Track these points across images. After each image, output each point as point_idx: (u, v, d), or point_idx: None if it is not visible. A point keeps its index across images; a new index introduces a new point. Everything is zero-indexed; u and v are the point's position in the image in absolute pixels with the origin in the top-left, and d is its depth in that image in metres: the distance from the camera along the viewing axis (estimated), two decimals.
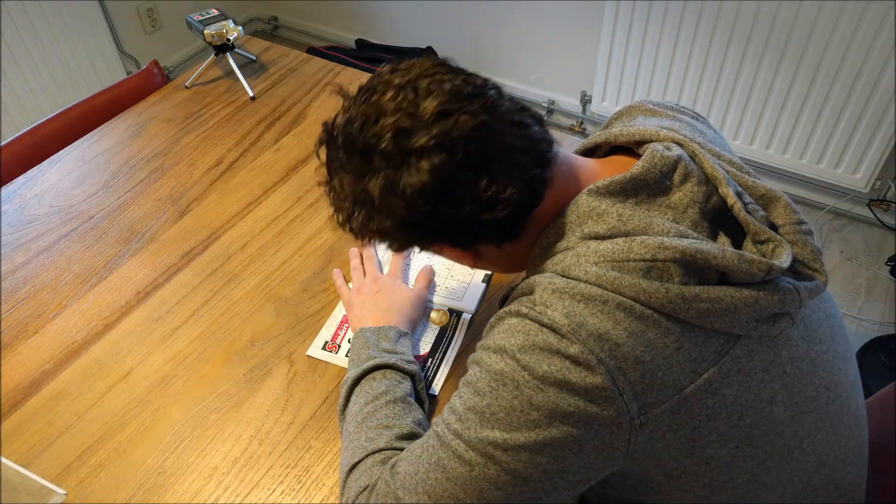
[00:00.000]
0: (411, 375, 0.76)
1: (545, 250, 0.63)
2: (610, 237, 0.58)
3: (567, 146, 1.13)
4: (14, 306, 0.93)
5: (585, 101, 2.28)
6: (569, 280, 0.57)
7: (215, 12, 1.30)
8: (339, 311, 0.90)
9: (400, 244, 0.65)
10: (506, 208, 0.60)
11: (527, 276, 0.63)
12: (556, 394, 0.54)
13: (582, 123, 2.35)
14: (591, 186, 0.61)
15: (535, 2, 2.15)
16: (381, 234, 0.63)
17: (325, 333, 0.87)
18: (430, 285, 0.92)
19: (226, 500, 0.72)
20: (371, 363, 0.75)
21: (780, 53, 1.78)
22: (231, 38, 1.27)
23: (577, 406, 0.54)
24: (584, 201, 0.61)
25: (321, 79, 1.32)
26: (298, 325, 0.89)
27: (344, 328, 0.88)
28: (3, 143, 1.20)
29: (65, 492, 0.73)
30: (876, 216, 1.97)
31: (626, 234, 0.58)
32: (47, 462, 0.76)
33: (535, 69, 2.34)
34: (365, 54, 2.48)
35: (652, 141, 0.65)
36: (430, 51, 2.43)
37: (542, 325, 0.56)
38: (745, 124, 1.95)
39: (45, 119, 1.26)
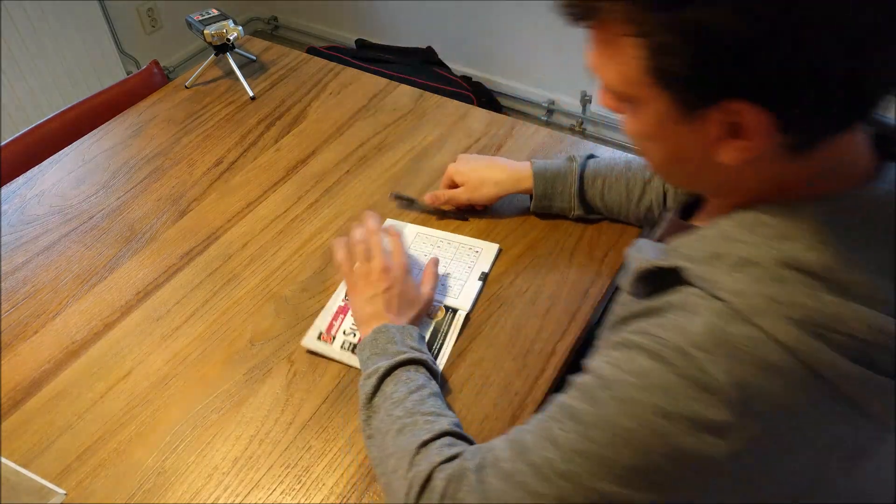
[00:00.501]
0: (436, 377, 0.77)
1: (737, 227, 0.51)
2: (823, 280, 0.46)
3: (567, 146, 1.14)
4: (14, 306, 0.93)
5: (585, 101, 2.28)
6: (752, 327, 0.46)
7: (215, 12, 1.30)
8: (333, 302, 0.89)
9: (697, 91, 0.47)
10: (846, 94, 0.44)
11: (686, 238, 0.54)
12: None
13: (582, 123, 2.35)
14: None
15: (535, 2, 2.15)
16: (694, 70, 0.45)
17: (320, 323, 0.87)
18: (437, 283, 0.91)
19: (226, 500, 0.73)
20: (404, 357, 0.75)
21: None
22: (231, 38, 1.27)
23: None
24: (807, 209, 0.49)
25: (321, 79, 1.32)
26: (298, 325, 0.89)
27: (339, 319, 0.87)
28: (3, 143, 1.20)
29: (65, 492, 0.73)
30: None
31: (839, 286, 0.46)
32: (47, 462, 0.76)
33: (535, 69, 2.34)
34: (365, 54, 2.48)
35: None
36: (430, 51, 2.43)
37: (700, 386, 0.46)
38: None
39: (45, 119, 1.26)
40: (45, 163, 1.16)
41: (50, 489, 0.73)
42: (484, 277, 0.93)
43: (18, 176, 1.14)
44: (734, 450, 0.46)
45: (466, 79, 2.41)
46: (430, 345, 0.85)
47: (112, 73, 2.29)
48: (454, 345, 0.85)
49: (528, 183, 0.96)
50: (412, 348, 0.78)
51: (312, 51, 2.50)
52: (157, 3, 2.46)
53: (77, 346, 0.88)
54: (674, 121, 0.50)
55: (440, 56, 2.45)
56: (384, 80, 1.31)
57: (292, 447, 0.77)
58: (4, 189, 1.12)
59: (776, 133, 0.46)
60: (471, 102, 2.08)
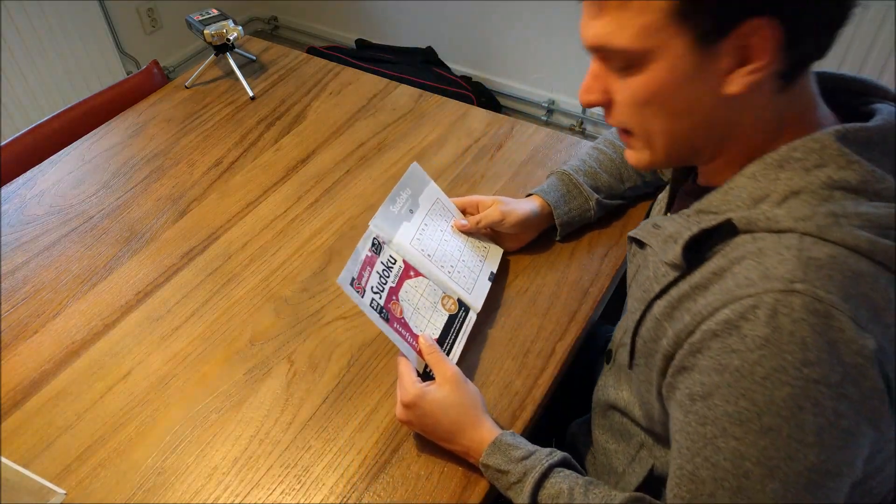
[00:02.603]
0: (562, 460, 0.69)
1: (766, 169, 0.55)
2: (862, 192, 0.52)
3: (567, 146, 1.14)
4: (14, 306, 0.93)
5: None
6: (829, 244, 0.50)
7: (215, 12, 1.30)
8: (362, 248, 0.82)
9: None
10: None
11: (706, 198, 0.59)
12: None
13: (582, 123, 2.35)
14: (840, 127, 0.54)
15: (535, 2, 2.15)
16: None
17: (353, 267, 0.79)
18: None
19: (226, 500, 0.72)
20: (531, 481, 0.67)
21: None
22: (231, 38, 1.27)
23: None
24: (826, 139, 0.54)
25: (321, 79, 1.32)
26: (298, 324, 0.89)
27: (367, 271, 0.81)
28: (3, 143, 1.20)
29: (65, 491, 0.73)
30: None
31: (877, 194, 0.52)
32: (47, 462, 0.76)
33: (535, 69, 2.34)
34: (365, 54, 2.48)
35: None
36: (430, 51, 2.43)
37: (831, 316, 0.48)
38: None
39: (45, 119, 1.26)
40: (45, 163, 1.16)
41: (50, 489, 0.73)
42: (493, 278, 0.92)
43: (18, 176, 1.14)
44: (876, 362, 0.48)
45: (466, 79, 2.41)
46: (441, 339, 0.82)
47: (112, 73, 2.29)
48: (463, 346, 0.83)
49: (540, 202, 0.94)
50: (522, 459, 0.69)
51: (312, 51, 2.50)
52: (157, 3, 2.46)
53: (77, 346, 0.88)
54: (688, 64, 0.53)
55: (440, 56, 2.45)
56: (384, 80, 1.31)
57: (292, 447, 0.77)
58: (4, 189, 1.12)
59: (780, 53, 0.51)
60: (471, 102, 2.08)
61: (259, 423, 0.79)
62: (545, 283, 0.92)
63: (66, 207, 1.08)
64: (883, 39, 1.63)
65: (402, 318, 0.81)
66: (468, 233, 0.95)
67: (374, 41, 2.58)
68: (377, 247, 0.85)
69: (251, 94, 1.28)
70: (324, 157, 1.14)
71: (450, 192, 1.07)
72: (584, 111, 2.31)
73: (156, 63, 1.38)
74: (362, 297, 0.78)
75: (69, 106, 1.29)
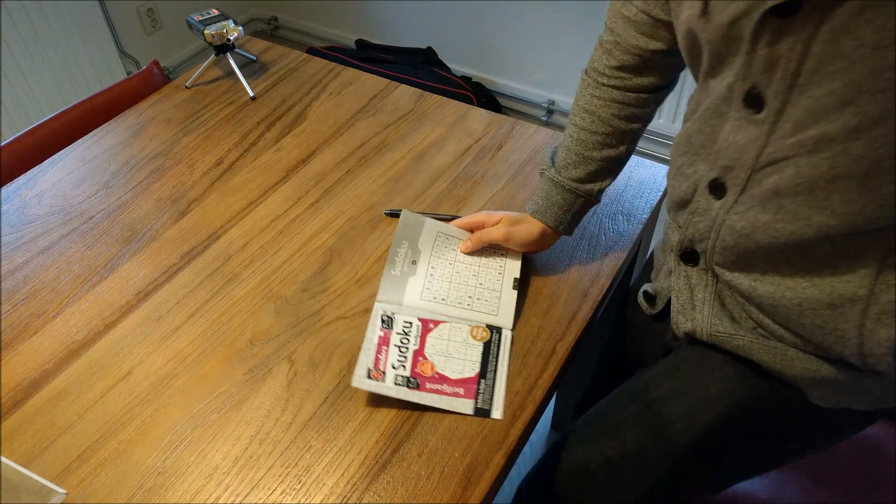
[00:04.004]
0: None
1: None
2: None
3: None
4: (14, 306, 0.93)
5: None
6: None
7: (215, 12, 1.30)
8: (372, 334, 0.82)
9: None
10: None
11: None
12: None
13: None
14: None
15: (535, 2, 2.15)
16: None
17: (365, 359, 0.80)
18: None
19: (226, 500, 0.73)
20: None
21: None
22: (231, 38, 1.27)
23: None
24: None
25: (321, 79, 1.32)
26: (299, 325, 0.89)
27: (383, 352, 0.81)
28: (3, 143, 1.20)
29: (65, 491, 0.73)
30: None
31: None
32: (48, 462, 0.76)
33: (536, 69, 2.34)
34: (365, 54, 2.48)
35: None
36: (430, 51, 2.43)
37: None
38: None
39: (45, 119, 1.26)
40: (45, 163, 1.16)
41: (50, 489, 0.73)
42: (517, 285, 0.89)
43: (18, 176, 1.14)
44: None
45: (466, 79, 2.41)
46: (482, 370, 0.81)
47: (112, 73, 2.29)
48: (508, 367, 0.82)
49: (541, 226, 0.91)
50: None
51: (312, 51, 2.50)
52: (157, 3, 2.46)
53: (77, 345, 0.88)
54: None
55: (440, 56, 2.45)
56: (384, 81, 1.31)
57: (292, 447, 0.77)
58: (4, 189, 1.12)
59: None
60: (471, 102, 2.09)
61: (259, 423, 0.79)
62: (545, 283, 0.92)
63: (66, 207, 1.08)
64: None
65: (436, 373, 0.81)
66: (477, 251, 0.93)
67: (374, 41, 2.58)
68: (388, 321, 0.85)
69: (251, 94, 1.28)
70: (324, 158, 1.14)
71: (449, 191, 1.07)
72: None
73: (156, 63, 1.38)
74: (384, 381, 0.78)
75: (69, 106, 1.29)
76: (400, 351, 0.82)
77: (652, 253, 0.95)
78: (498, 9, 2.26)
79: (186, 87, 1.31)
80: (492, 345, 0.83)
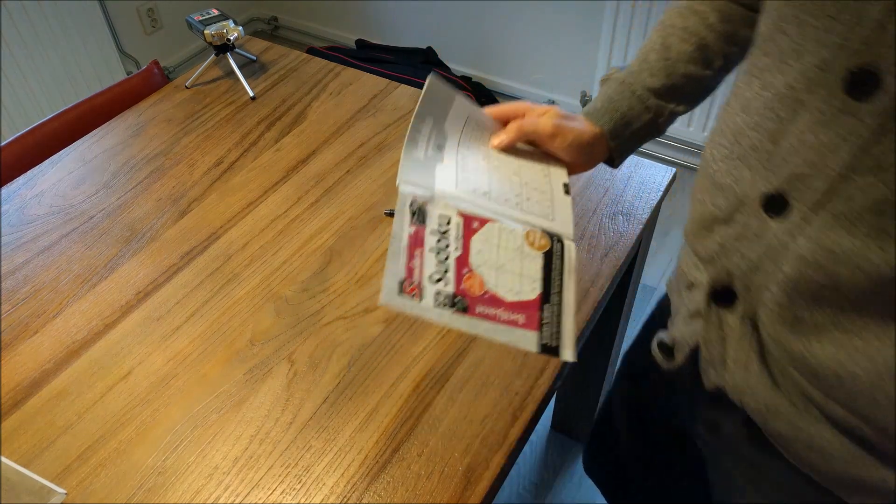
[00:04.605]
0: None
1: None
2: None
3: None
4: (14, 306, 0.93)
5: (585, 100, 2.28)
6: None
7: (215, 12, 1.30)
8: (400, 226, 0.61)
9: None
10: None
11: None
12: None
13: None
14: None
15: (535, 2, 2.15)
16: None
17: (394, 267, 0.60)
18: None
19: (226, 500, 0.73)
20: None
21: None
22: (231, 38, 1.27)
23: None
24: None
25: (321, 79, 1.32)
26: (298, 324, 0.89)
27: (417, 257, 0.61)
28: (3, 143, 1.20)
29: (65, 491, 0.73)
30: None
31: None
32: (48, 461, 0.76)
33: (535, 69, 2.34)
34: (365, 54, 2.48)
35: None
36: (430, 51, 2.44)
37: None
38: None
39: (45, 119, 1.26)
40: (45, 163, 1.16)
41: (50, 489, 0.73)
42: (569, 191, 0.70)
43: (18, 176, 1.14)
44: None
45: (466, 79, 2.41)
46: (545, 291, 0.62)
47: (112, 73, 2.29)
48: (574, 289, 0.64)
49: (584, 119, 0.73)
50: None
51: (312, 51, 2.50)
52: (157, 3, 2.46)
53: (77, 345, 0.88)
54: None
55: (440, 56, 2.45)
56: (384, 81, 1.31)
57: (292, 447, 0.77)
58: (4, 189, 1.12)
59: None
60: None
61: (259, 423, 0.79)
62: None
63: (66, 207, 1.08)
64: None
65: (487, 291, 0.61)
66: (511, 148, 0.72)
67: (374, 41, 2.58)
68: (420, 214, 0.64)
69: (251, 94, 1.28)
70: (324, 158, 1.14)
71: None
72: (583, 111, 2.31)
73: (156, 63, 1.38)
74: (420, 300, 0.59)
75: (69, 106, 1.29)
76: (438, 258, 0.62)
77: (665, 297, 0.80)
78: (498, 9, 2.26)
79: (186, 87, 1.31)
80: (554, 257, 0.64)
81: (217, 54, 1.32)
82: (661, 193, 1.06)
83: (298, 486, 0.73)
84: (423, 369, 0.83)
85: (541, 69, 2.33)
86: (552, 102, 2.36)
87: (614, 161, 0.75)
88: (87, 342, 0.88)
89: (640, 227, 1.01)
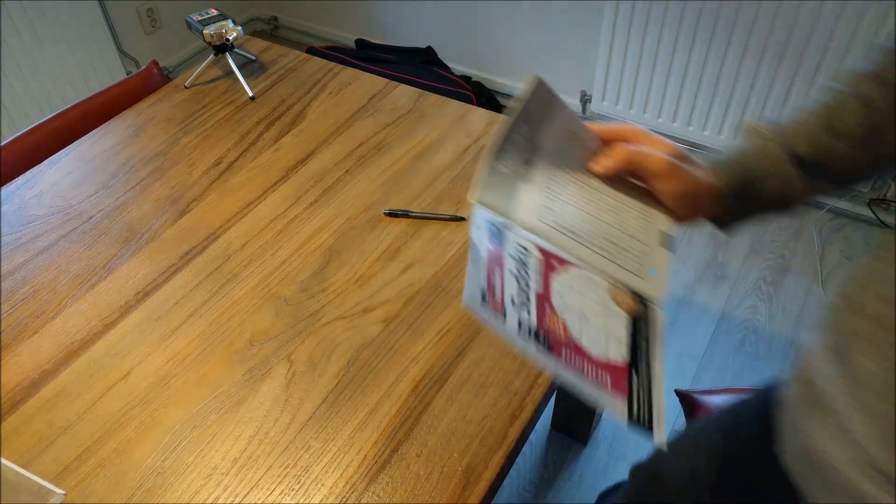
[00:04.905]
0: None
1: None
2: None
3: None
4: (14, 306, 0.93)
5: (585, 100, 2.28)
6: None
7: (214, 12, 1.30)
8: (479, 239, 0.54)
9: None
10: None
11: None
12: None
13: None
14: None
15: (535, 2, 2.15)
16: None
17: (476, 275, 0.55)
18: None
19: (225, 500, 0.73)
20: None
21: (780, 53, 1.78)
22: (230, 38, 1.27)
23: None
24: None
25: (321, 79, 1.32)
26: (298, 324, 0.89)
27: (497, 274, 0.55)
28: (3, 143, 1.20)
29: (64, 492, 0.73)
30: (876, 216, 1.97)
31: None
32: (47, 462, 0.76)
33: (535, 69, 2.34)
34: (365, 54, 2.48)
35: None
36: (430, 51, 2.43)
37: None
38: None
39: (45, 119, 1.26)
40: (44, 163, 1.16)
41: (49, 489, 0.73)
42: (671, 245, 0.57)
43: (18, 176, 1.14)
44: None
45: (466, 79, 2.41)
46: (634, 354, 0.54)
47: (112, 73, 2.29)
48: (660, 362, 0.53)
49: (702, 165, 0.60)
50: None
51: (312, 51, 2.50)
52: (157, 3, 2.46)
53: (76, 346, 0.88)
54: None
55: (440, 56, 2.45)
56: (383, 80, 1.31)
57: (291, 447, 0.77)
58: (4, 189, 1.12)
59: None
60: (471, 102, 2.08)
61: (258, 424, 0.79)
62: None
63: (65, 207, 1.08)
64: (883, 39, 1.63)
65: (570, 338, 0.55)
66: (611, 178, 0.58)
67: (374, 41, 2.58)
68: (497, 234, 0.57)
69: (251, 94, 1.28)
70: (323, 157, 1.14)
71: (449, 191, 1.07)
72: (584, 111, 2.31)
73: (155, 63, 1.38)
74: (504, 318, 0.54)
75: (69, 106, 1.29)
76: (519, 284, 0.56)
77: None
78: (498, 8, 2.25)
79: (185, 87, 1.31)
80: (641, 324, 0.54)
81: (216, 54, 1.32)
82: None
83: (297, 487, 0.73)
84: (423, 369, 0.83)
85: (541, 69, 2.32)
86: None
87: (725, 225, 0.63)
88: (87, 342, 0.88)
89: None
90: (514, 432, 0.77)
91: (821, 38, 1.70)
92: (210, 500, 0.73)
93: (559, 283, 0.55)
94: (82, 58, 2.18)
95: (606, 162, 0.56)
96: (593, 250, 0.55)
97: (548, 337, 0.54)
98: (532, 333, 0.53)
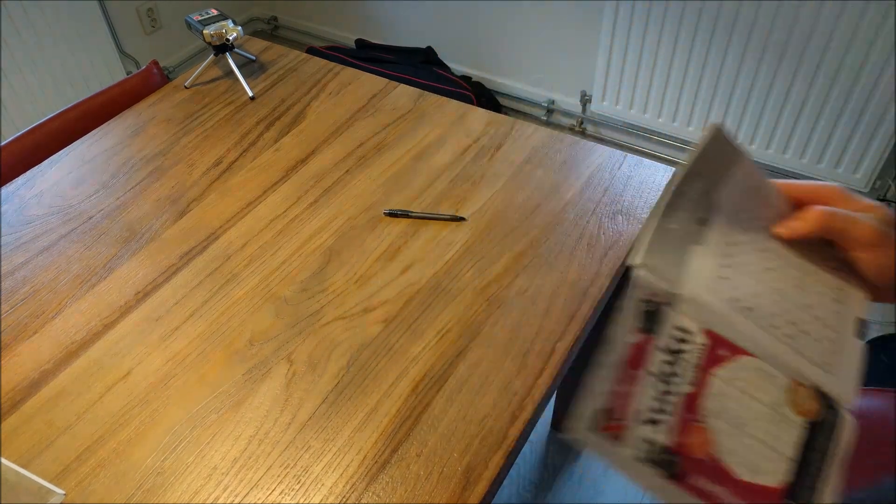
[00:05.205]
0: None
1: None
2: None
3: (567, 146, 1.14)
4: (13, 306, 0.93)
5: (585, 100, 2.28)
6: None
7: (215, 12, 1.30)
8: (621, 330, 0.45)
9: None
10: None
11: None
12: None
13: (582, 123, 2.35)
14: None
15: (535, 2, 2.15)
16: None
17: (599, 387, 0.43)
18: None
19: (225, 500, 0.72)
20: None
21: (780, 53, 1.78)
22: (230, 38, 1.27)
23: None
24: None
25: (321, 79, 1.32)
26: (297, 325, 0.89)
27: (632, 381, 0.44)
28: (3, 143, 1.20)
29: (64, 492, 0.73)
30: None
31: None
32: (46, 462, 0.76)
33: (535, 69, 2.34)
34: (365, 54, 2.48)
35: None
36: (430, 51, 2.43)
37: None
38: (745, 124, 1.95)
39: (45, 119, 1.26)
40: (44, 163, 1.16)
41: (49, 489, 0.73)
42: (864, 334, 0.49)
43: (18, 176, 1.14)
44: None
45: (466, 79, 2.41)
46: (798, 481, 0.43)
47: (112, 73, 2.29)
48: (832, 483, 0.44)
49: None
50: None
51: (312, 51, 2.50)
52: (157, 3, 2.46)
53: (76, 346, 0.88)
54: None
55: (440, 56, 2.45)
56: (384, 80, 1.31)
57: (291, 447, 0.77)
58: (4, 189, 1.12)
59: None
60: (471, 102, 2.08)
61: (258, 424, 0.79)
62: (545, 283, 0.92)
63: (65, 207, 1.08)
64: (883, 39, 1.63)
65: (712, 457, 0.44)
66: (800, 244, 0.50)
67: (374, 41, 2.58)
68: (652, 319, 0.46)
69: (251, 94, 1.28)
70: (323, 157, 1.14)
71: (449, 191, 1.07)
72: (584, 111, 2.31)
73: (155, 63, 1.38)
74: (622, 440, 0.43)
75: (69, 106, 1.29)
76: (659, 389, 0.45)
77: None
78: (498, 8, 2.25)
79: (185, 87, 1.31)
80: (819, 434, 0.44)
81: (216, 54, 1.32)
82: (660, 193, 1.06)
83: (297, 487, 0.73)
84: (423, 369, 0.83)
85: (541, 69, 2.32)
86: (552, 102, 2.36)
87: None
88: (86, 343, 0.88)
89: (640, 226, 1.01)
90: (514, 432, 0.77)
91: (821, 38, 1.70)
92: (210, 500, 0.73)
93: (722, 378, 0.45)
94: (82, 58, 2.18)
95: (797, 225, 0.48)
96: (776, 336, 0.46)
97: (678, 457, 0.43)
98: (655, 457, 0.43)
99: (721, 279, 0.47)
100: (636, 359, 0.44)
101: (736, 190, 0.49)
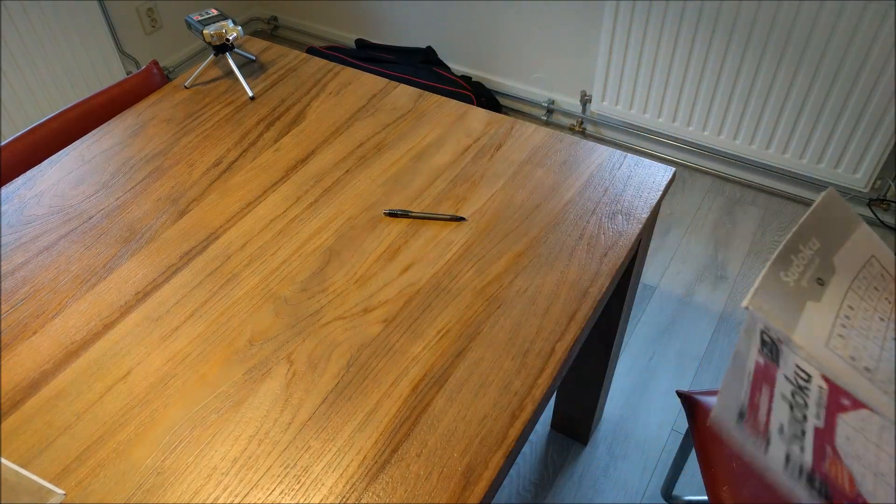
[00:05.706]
0: None
1: None
2: None
3: (567, 146, 1.14)
4: (13, 306, 0.93)
5: (585, 101, 2.28)
6: None
7: (215, 12, 1.30)
8: (746, 347, 0.48)
9: None
10: None
11: None
12: None
13: (582, 123, 2.35)
14: None
15: (535, 2, 2.15)
16: None
17: (736, 387, 0.47)
18: None
19: (225, 500, 0.72)
20: None
21: (780, 52, 1.78)
22: (230, 38, 1.27)
23: None
24: None
25: (321, 79, 1.32)
26: (297, 325, 0.89)
27: (762, 392, 0.46)
28: (3, 143, 1.20)
29: (64, 492, 0.73)
30: (876, 216, 1.97)
31: None
32: (46, 462, 0.76)
33: (535, 69, 2.34)
34: (365, 54, 2.48)
35: None
36: (430, 51, 2.43)
37: None
38: (744, 123, 1.95)
39: (45, 119, 1.26)
40: (44, 163, 1.16)
41: (49, 489, 0.73)
42: None
43: (18, 176, 1.14)
44: None
45: (466, 79, 2.41)
46: None
47: (112, 73, 2.29)
48: None
49: None
50: None
51: (312, 51, 2.50)
52: (157, 3, 2.46)
53: (76, 346, 0.88)
54: None
55: (440, 56, 2.45)
56: (384, 80, 1.31)
57: (291, 447, 0.77)
58: (4, 189, 1.12)
59: None
60: (471, 102, 2.08)
61: (258, 424, 0.79)
62: (545, 283, 0.92)
63: (65, 207, 1.08)
64: (883, 39, 1.63)
65: (860, 496, 0.46)
66: None
67: (374, 41, 2.58)
68: (772, 348, 0.50)
69: (251, 94, 1.28)
70: (323, 157, 1.14)
71: (449, 191, 1.07)
72: (584, 111, 2.31)
73: (155, 63, 1.38)
74: (766, 446, 0.46)
75: (69, 106, 1.29)
76: (793, 413, 0.48)
77: None
78: (498, 8, 2.25)
79: (185, 87, 1.31)
80: None
81: (216, 54, 1.32)
82: (660, 193, 1.06)
83: (297, 487, 0.73)
84: (422, 369, 0.83)
85: (541, 69, 2.32)
86: (552, 102, 2.36)
87: None
88: (86, 343, 0.88)
89: (640, 226, 1.01)
90: (514, 432, 0.77)
91: (821, 38, 1.70)
92: (210, 500, 0.73)
93: (848, 424, 0.46)
94: (82, 58, 2.18)
95: None
96: (893, 395, 0.46)
97: (826, 485, 0.44)
98: (804, 474, 0.44)
99: (839, 337, 0.49)
100: (764, 376, 0.46)
101: (857, 258, 0.52)
